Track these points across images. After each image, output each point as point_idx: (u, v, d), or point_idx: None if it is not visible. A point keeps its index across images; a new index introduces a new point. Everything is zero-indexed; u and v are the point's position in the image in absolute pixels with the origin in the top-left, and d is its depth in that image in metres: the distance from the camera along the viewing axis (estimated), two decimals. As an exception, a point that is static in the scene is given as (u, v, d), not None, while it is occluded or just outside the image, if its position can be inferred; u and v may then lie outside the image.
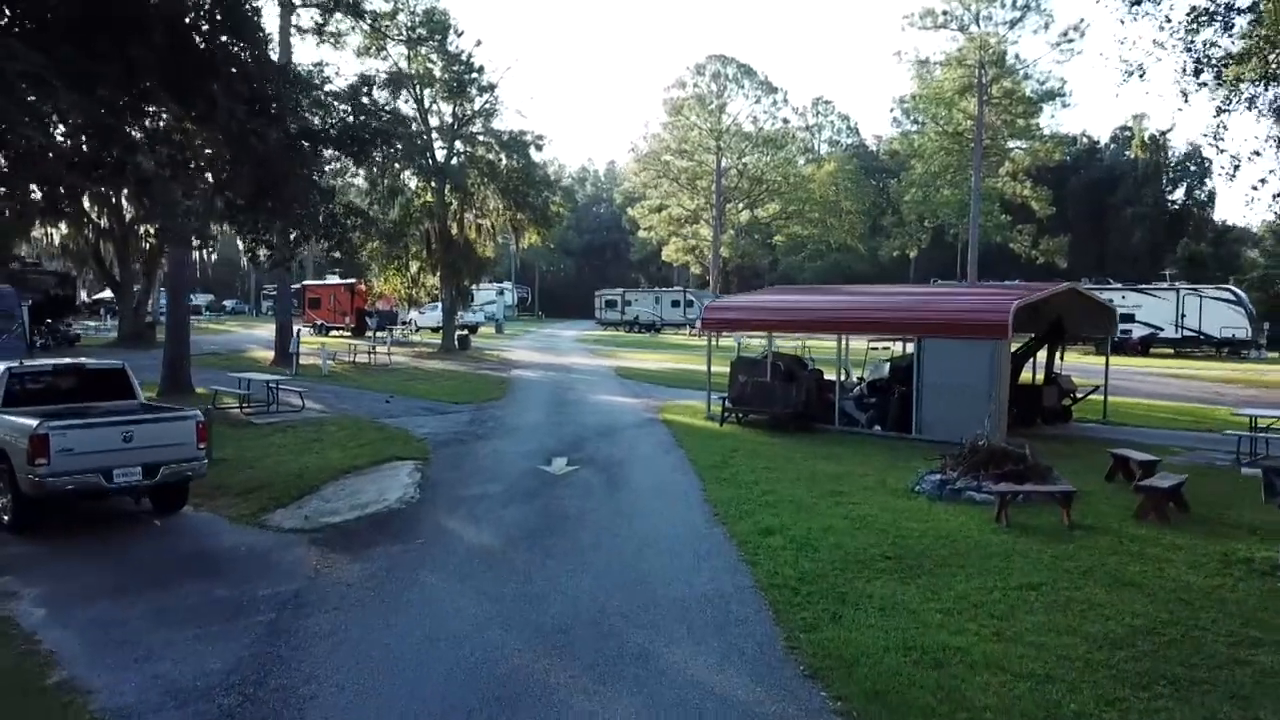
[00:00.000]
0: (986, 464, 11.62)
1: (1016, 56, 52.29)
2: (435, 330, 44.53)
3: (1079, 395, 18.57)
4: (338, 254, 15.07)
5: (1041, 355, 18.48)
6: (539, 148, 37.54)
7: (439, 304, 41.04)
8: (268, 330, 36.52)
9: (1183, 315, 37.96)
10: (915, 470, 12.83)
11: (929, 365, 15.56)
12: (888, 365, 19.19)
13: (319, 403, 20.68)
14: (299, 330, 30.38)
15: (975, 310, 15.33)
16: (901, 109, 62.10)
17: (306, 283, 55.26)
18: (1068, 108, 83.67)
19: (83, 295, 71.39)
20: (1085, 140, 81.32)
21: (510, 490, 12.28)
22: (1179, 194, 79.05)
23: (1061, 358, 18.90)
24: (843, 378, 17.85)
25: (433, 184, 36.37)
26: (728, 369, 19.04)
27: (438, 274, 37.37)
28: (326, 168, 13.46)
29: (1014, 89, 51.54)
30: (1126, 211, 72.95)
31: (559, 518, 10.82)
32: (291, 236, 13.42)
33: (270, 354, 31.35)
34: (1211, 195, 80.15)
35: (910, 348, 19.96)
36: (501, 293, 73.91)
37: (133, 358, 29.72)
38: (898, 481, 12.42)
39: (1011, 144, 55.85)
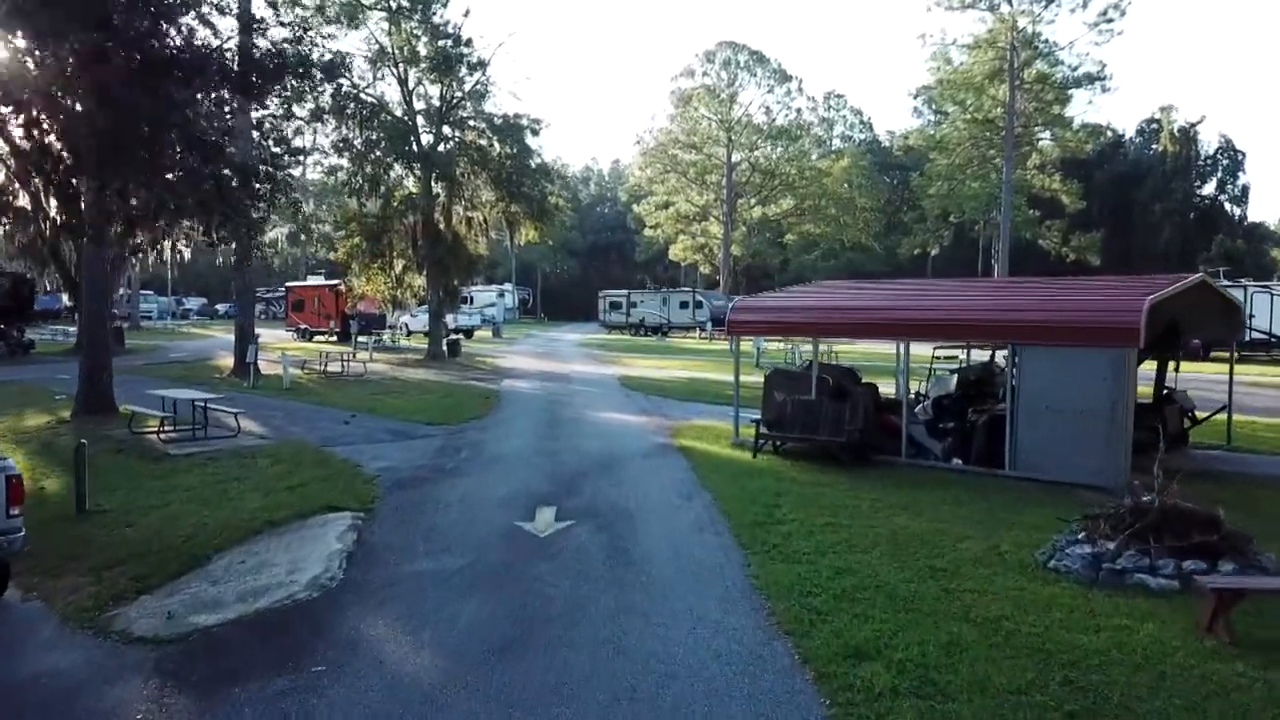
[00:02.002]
0: (1158, 530, 8.04)
1: (1047, 40, 48.66)
2: (427, 335, 40.92)
3: (1199, 416, 14.98)
4: (220, 235, 11.31)
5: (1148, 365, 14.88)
6: (535, 133, 33.96)
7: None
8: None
9: (1251, 315, 34.13)
10: (1038, 530, 9.32)
11: (1029, 380, 11.97)
12: (954, 379, 15.64)
13: (264, 424, 17.17)
14: (259, 336, 26.84)
15: (1095, 309, 11.70)
16: (924, 99, 58.41)
17: (290, 284, 51.98)
18: (1107, 92, 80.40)
19: (64, 300, 68.13)
20: (1110, 133, 77.53)
21: (474, 566, 8.73)
22: (1209, 189, 75.31)
23: (1177, 369, 15.27)
24: (906, 395, 14.20)
25: (416, 172, 32.78)
26: (759, 380, 15.45)
27: (424, 273, 33.77)
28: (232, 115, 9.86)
29: (1048, 73, 47.82)
30: (1155, 207, 69.15)
31: (539, 619, 7.29)
32: (154, 207, 9.77)
33: (241, 362, 27.84)
34: (1245, 190, 76.48)
35: (982, 355, 16.48)
36: (502, 294, 70.26)
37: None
38: (1016, 547, 8.88)
39: (1043, 133, 52.16)
